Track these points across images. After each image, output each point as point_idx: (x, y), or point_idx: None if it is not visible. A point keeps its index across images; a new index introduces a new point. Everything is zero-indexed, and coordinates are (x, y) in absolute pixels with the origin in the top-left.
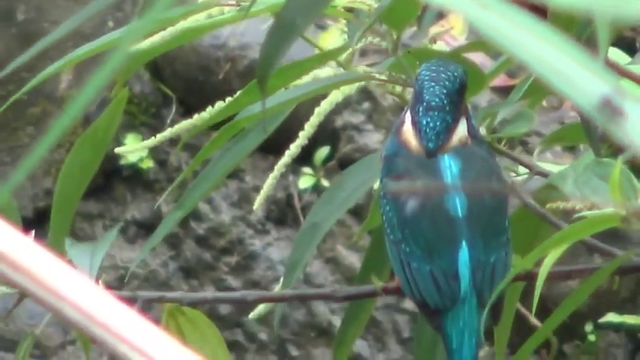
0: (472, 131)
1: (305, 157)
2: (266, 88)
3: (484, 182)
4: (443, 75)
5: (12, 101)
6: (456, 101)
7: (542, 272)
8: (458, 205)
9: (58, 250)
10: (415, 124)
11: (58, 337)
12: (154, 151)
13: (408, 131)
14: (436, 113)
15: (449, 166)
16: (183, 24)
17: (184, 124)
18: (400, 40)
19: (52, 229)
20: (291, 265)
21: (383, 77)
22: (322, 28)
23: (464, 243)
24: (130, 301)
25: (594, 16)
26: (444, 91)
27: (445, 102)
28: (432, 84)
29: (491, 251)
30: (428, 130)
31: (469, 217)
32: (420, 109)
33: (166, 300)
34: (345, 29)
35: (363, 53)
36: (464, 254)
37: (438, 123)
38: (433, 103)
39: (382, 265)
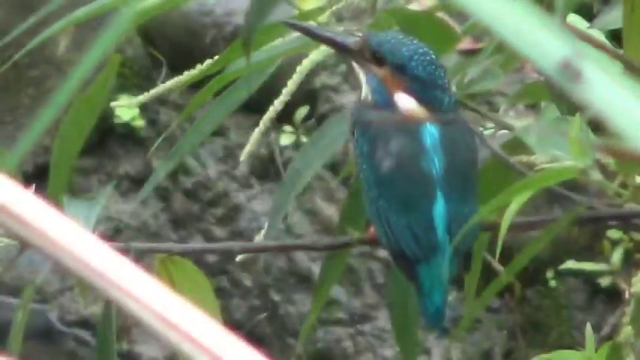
0: None
1: (286, 116)
2: (250, 49)
3: (459, 140)
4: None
5: (11, 62)
6: None
7: (506, 219)
8: (435, 161)
9: (57, 204)
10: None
11: (57, 284)
12: (145, 111)
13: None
14: None
15: (426, 125)
16: None
17: (175, 80)
18: (377, 1)
19: (50, 184)
20: (275, 208)
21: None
22: None
23: (439, 196)
24: (124, 251)
25: None
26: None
27: None
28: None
29: (465, 204)
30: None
31: (445, 171)
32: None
33: (158, 251)
34: None
35: (339, 19)
36: (440, 207)
37: None
38: None
39: (358, 216)
